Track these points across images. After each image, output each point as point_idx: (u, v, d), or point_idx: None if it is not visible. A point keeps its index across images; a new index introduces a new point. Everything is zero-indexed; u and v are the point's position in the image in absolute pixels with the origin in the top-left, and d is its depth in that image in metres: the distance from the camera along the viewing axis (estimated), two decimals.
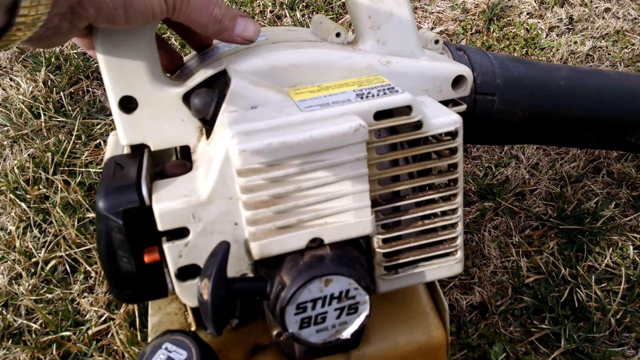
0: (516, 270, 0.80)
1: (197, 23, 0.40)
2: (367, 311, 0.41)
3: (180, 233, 0.39)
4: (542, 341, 0.72)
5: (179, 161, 0.45)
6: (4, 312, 0.75)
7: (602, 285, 0.78)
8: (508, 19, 1.32)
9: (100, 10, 0.34)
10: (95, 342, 0.71)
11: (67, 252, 0.81)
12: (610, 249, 0.82)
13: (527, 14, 1.34)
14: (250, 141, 0.36)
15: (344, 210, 0.40)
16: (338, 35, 0.48)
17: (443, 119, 0.42)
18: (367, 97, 0.41)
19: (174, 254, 0.39)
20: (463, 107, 0.50)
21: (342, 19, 1.29)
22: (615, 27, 1.29)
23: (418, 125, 0.41)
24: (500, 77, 0.59)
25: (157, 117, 0.43)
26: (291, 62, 0.45)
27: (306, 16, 1.29)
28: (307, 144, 0.37)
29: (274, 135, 0.37)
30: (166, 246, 0.39)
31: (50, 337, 0.71)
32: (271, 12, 1.30)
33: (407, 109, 0.40)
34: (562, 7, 1.36)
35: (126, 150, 0.46)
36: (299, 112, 0.39)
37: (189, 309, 0.51)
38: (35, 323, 0.73)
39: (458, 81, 0.49)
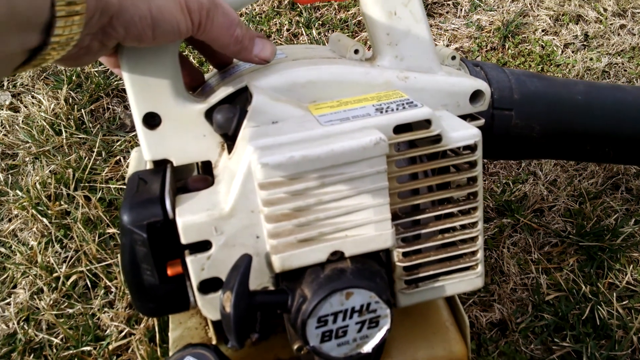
0: (536, 287, 0.79)
1: (219, 42, 0.41)
2: (388, 325, 0.41)
3: (202, 246, 0.40)
4: (563, 359, 0.71)
5: (201, 176, 0.45)
6: (26, 326, 0.76)
7: (624, 302, 0.77)
8: (523, 35, 1.32)
9: (129, 30, 0.35)
10: (115, 357, 0.71)
11: (88, 267, 0.81)
12: (631, 266, 0.81)
13: (542, 30, 1.34)
14: (272, 155, 0.37)
15: (364, 223, 0.40)
16: (356, 52, 0.49)
17: (462, 133, 0.42)
18: (386, 111, 0.41)
19: (196, 267, 0.40)
20: (481, 121, 0.50)
21: (357, 36, 1.31)
22: (630, 44, 1.29)
23: (437, 139, 0.41)
24: (518, 92, 0.59)
25: (180, 132, 0.44)
26: (310, 79, 0.46)
27: (322, 34, 1.30)
28: (328, 157, 0.37)
29: (296, 149, 0.37)
30: (189, 259, 0.40)
31: (71, 352, 0.72)
32: (287, 30, 1.32)
33: (426, 123, 0.41)
34: (577, 24, 1.36)
35: (149, 166, 0.47)
36: (319, 127, 0.40)
37: (209, 323, 0.51)
38: (56, 338, 0.74)
39: (476, 96, 0.49)
